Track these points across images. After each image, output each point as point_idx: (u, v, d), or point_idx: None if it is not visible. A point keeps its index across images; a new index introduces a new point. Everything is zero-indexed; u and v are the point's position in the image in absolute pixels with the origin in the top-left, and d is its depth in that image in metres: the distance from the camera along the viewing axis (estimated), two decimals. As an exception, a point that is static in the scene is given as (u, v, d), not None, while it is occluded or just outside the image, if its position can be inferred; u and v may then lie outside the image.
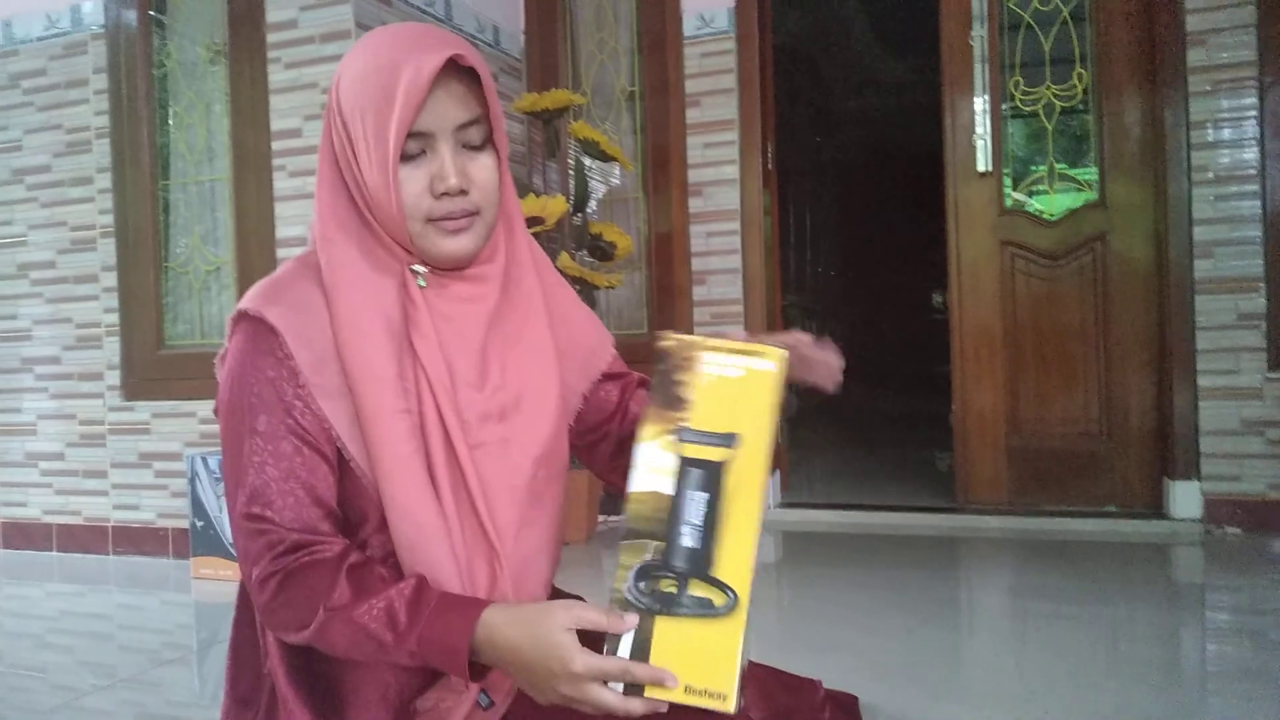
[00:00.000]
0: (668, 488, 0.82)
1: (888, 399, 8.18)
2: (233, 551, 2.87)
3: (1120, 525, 3.12)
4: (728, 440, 0.82)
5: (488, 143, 0.93)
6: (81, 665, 2.26)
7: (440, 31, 0.93)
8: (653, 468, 0.83)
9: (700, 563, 0.80)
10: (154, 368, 3.28)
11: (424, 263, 0.94)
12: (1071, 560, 2.79)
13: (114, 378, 3.31)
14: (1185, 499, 3.07)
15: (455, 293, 0.96)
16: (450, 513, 0.90)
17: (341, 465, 0.92)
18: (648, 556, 0.81)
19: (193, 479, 2.93)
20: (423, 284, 0.94)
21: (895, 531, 3.26)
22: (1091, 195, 3.29)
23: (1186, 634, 2.23)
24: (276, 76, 3.02)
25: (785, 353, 0.86)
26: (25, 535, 3.45)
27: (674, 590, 0.79)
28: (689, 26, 3.59)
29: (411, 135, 0.89)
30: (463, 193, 0.91)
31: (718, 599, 0.79)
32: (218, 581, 2.89)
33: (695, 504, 0.81)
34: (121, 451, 3.30)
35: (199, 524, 2.93)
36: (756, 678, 1.15)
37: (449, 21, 3.37)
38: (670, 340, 0.87)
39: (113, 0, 3.29)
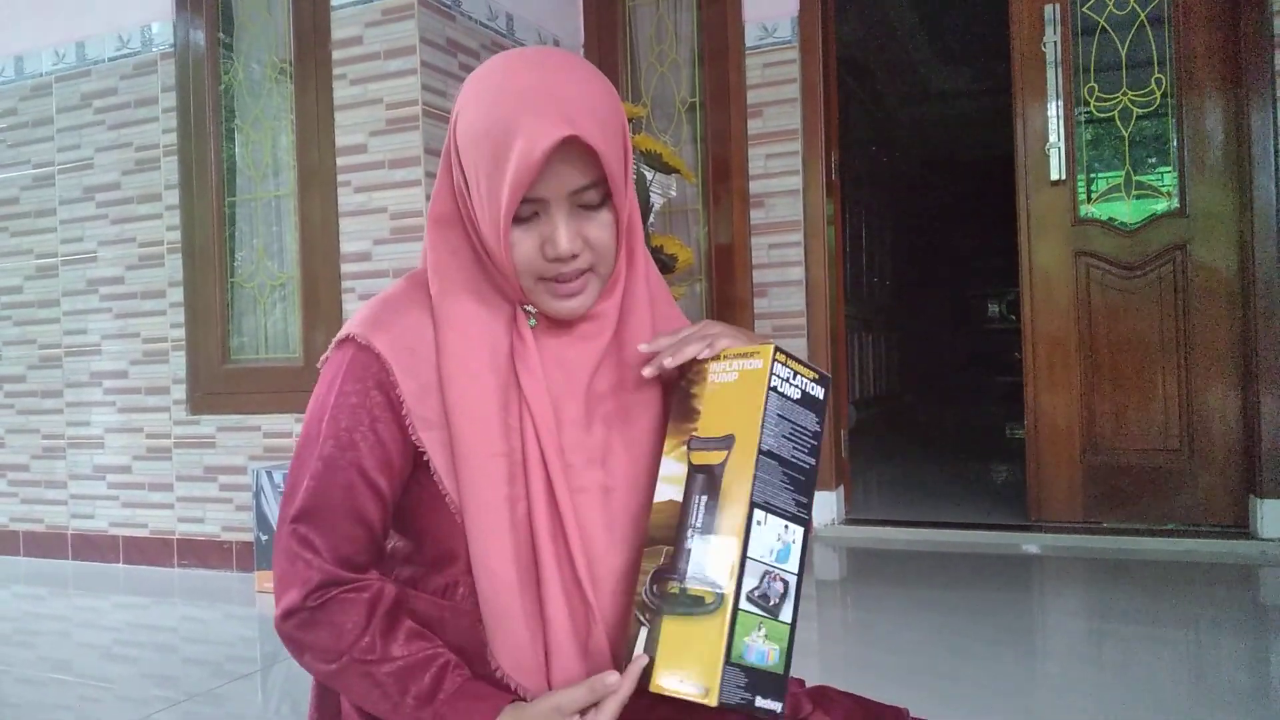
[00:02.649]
0: (680, 495, 0.86)
1: (945, 410, 8.05)
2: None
3: (1204, 545, 2.99)
4: (725, 442, 0.85)
5: (606, 201, 0.88)
6: (146, 678, 2.27)
7: (558, 84, 0.84)
8: (669, 478, 0.87)
9: (697, 562, 0.84)
10: (219, 382, 3.31)
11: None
12: (1153, 581, 2.69)
13: (180, 392, 3.35)
14: (1275, 517, 2.94)
15: (568, 332, 0.93)
16: (546, 565, 0.87)
17: (434, 501, 0.89)
18: (661, 561, 0.85)
19: (257, 493, 2.94)
20: (534, 324, 0.92)
21: (966, 550, 3.17)
22: (1171, 203, 3.18)
23: (1278, 660, 2.12)
24: (341, 93, 3.04)
25: (773, 346, 0.86)
26: (93, 547, 3.50)
27: (677, 591, 0.83)
28: (751, 37, 3.56)
29: (525, 200, 0.85)
30: (574, 256, 0.87)
31: (708, 597, 0.82)
32: (281, 595, 2.89)
33: (698, 508, 0.84)
34: (187, 465, 3.33)
35: (263, 538, 2.94)
36: (843, 707, 1.10)
37: (510, 35, 3.37)
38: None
39: (181, 21, 3.35)
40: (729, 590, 0.81)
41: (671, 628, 0.82)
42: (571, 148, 0.83)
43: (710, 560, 0.82)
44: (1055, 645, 2.32)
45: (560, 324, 0.92)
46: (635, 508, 0.92)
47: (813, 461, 0.88)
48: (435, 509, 0.89)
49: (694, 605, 0.82)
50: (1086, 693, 1.91)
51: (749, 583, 0.82)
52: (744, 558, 0.82)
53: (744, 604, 0.82)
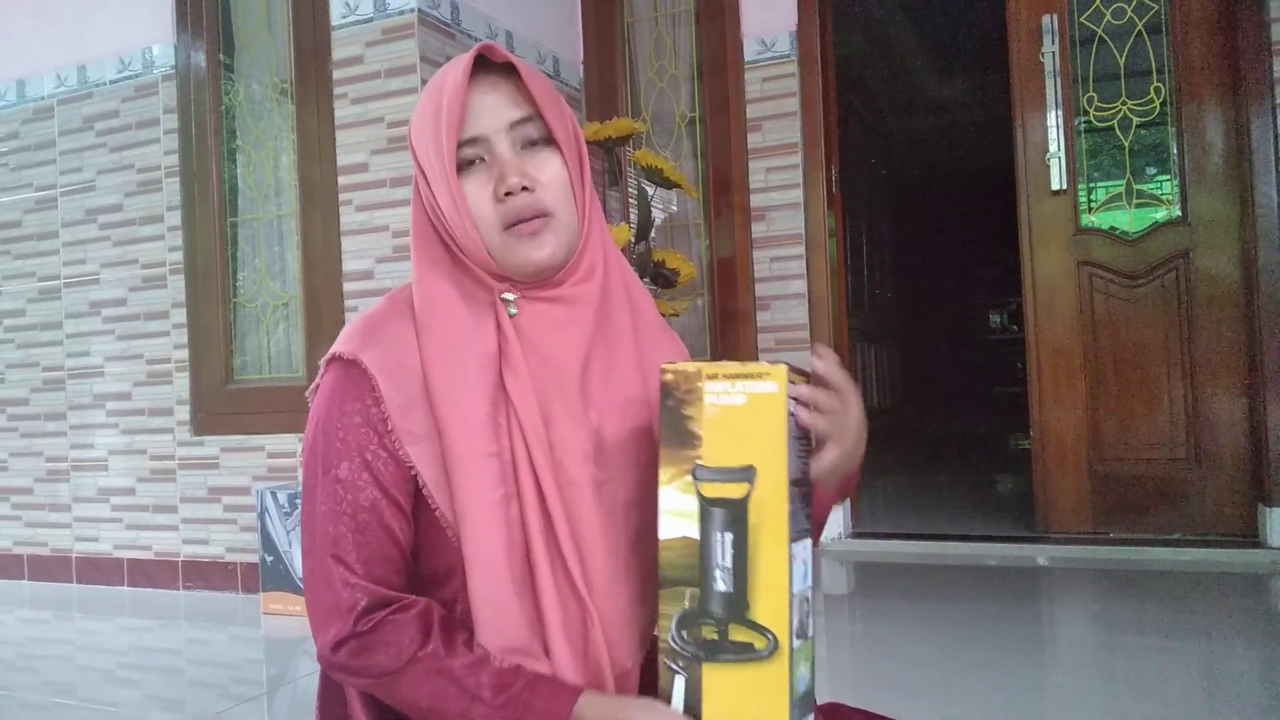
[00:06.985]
0: (694, 531, 0.79)
1: (950, 422, 8.03)
2: (302, 587, 2.86)
3: (1213, 554, 2.97)
4: (745, 474, 0.79)
5: (551, 142, 0.90)
6: (151, 701, 2.25)
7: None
8: (675, 512, 0.80)
9: (736, 607, 0.78)
10: (222, 403, 3.30)
11: (513, 285, 0.91)
12: (1163, 591, 2.67)
13: (183, 413, 3.35)
14: (1284, 527, 2.93)
15: (549, 318, 0.91)
16: (539, 564, 0.86)
17: (426, 517, 0.88)
18: (685, 604, 0.80)
19: (262, 514, 2.93)
20: (514, 312, 0.91)
21: (974, 562, 3.15)
22: (1172, 212, 3.18)
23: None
24: (343, 112, 3.04)
25: (785, 368, 0.80)
26: (97, 569, 3.49)
27: (715, 637, 0.78)
28: (750, 51, 3.57)
29: (466, 143, 0.88)
30: (526, 190, 0.88)
31: (759, 642, 0.78)
32: (287, 617, 2.88)
33: (722, 546, 0.79)
34: (191, 486, 3.33)
35: (268, 559, 2.92)
36: (850, 721, 1.09)
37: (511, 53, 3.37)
38: (669, 373, 0.82)
39: (182, 43, 3.36)
40: (784, 635, 0.77)
41: (715, 675, 0.78)
42: (502, 82, 0.90)
43: (755, 604, 0.78)
44: (1066, 657, 2.30)
45: (542, 309, 0.91)
46: (628, 498, 0.91)
47: (809, 465, 0.85)
48: (428, 525, 0.88)
49: (741, 651, 0.78)
50: (1098, 704, 1.90)
51: (794, 620, 0.78)
52: (791, 598, 0.78)
53: (795, 642, 0.78)
